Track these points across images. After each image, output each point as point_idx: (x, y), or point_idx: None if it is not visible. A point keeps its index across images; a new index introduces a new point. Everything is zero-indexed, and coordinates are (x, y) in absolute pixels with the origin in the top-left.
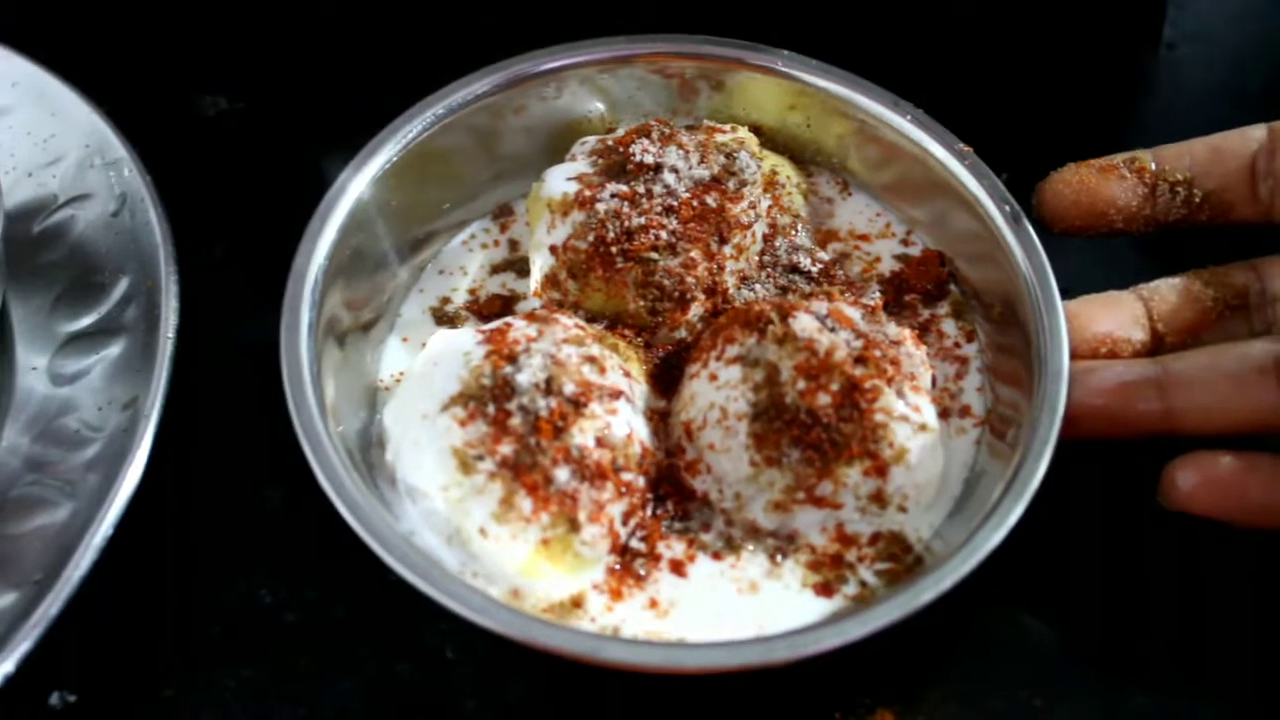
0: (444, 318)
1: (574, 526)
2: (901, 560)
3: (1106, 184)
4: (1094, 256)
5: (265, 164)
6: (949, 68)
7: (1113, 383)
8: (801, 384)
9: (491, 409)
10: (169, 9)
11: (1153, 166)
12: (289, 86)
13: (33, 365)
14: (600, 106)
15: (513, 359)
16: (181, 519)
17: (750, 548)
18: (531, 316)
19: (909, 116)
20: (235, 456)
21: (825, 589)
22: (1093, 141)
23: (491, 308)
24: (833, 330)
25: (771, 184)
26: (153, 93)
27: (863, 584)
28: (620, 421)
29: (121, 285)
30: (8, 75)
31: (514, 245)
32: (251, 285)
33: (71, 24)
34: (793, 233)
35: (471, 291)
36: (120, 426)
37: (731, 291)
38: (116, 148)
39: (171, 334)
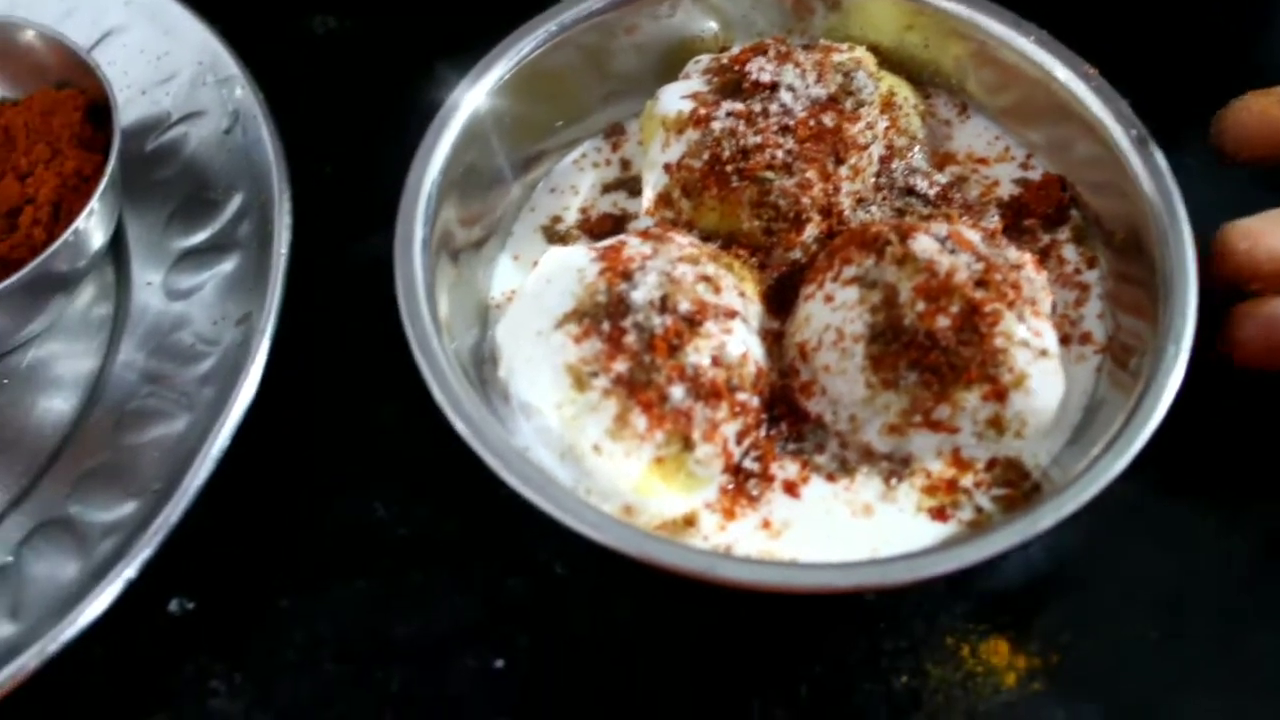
0: (555, 236)
1: (688, 445)
2: (1018, 486)
3: None
4: (1226, 189)
5: (375, 82)
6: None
7: None
8: (920, 306)
9: (606, 326)
10: None
11: None
12: (393, 6)
13: (148, 280)
14: (714, 25)
15: (628, 276)
16: (296, 433)
17: (865, 470)
18: (646, 235)
19: (1032, 36)
20: (350, 372)
21: (940, 514)
22: (1224, 70)
23: (603, 227)
24: (953, 252)
25: (889, 105)
26: (264, 11)
27: (979, 509)
28: (735, 340)
29: (235, 202)
30: None
31: (625, 165)
32: (364, 201)
33: None
34: (909, 154)
35: (583, 210)
36: (235, 341)
37: (847, 213)
38: (229, 65)
39: (285, 250)
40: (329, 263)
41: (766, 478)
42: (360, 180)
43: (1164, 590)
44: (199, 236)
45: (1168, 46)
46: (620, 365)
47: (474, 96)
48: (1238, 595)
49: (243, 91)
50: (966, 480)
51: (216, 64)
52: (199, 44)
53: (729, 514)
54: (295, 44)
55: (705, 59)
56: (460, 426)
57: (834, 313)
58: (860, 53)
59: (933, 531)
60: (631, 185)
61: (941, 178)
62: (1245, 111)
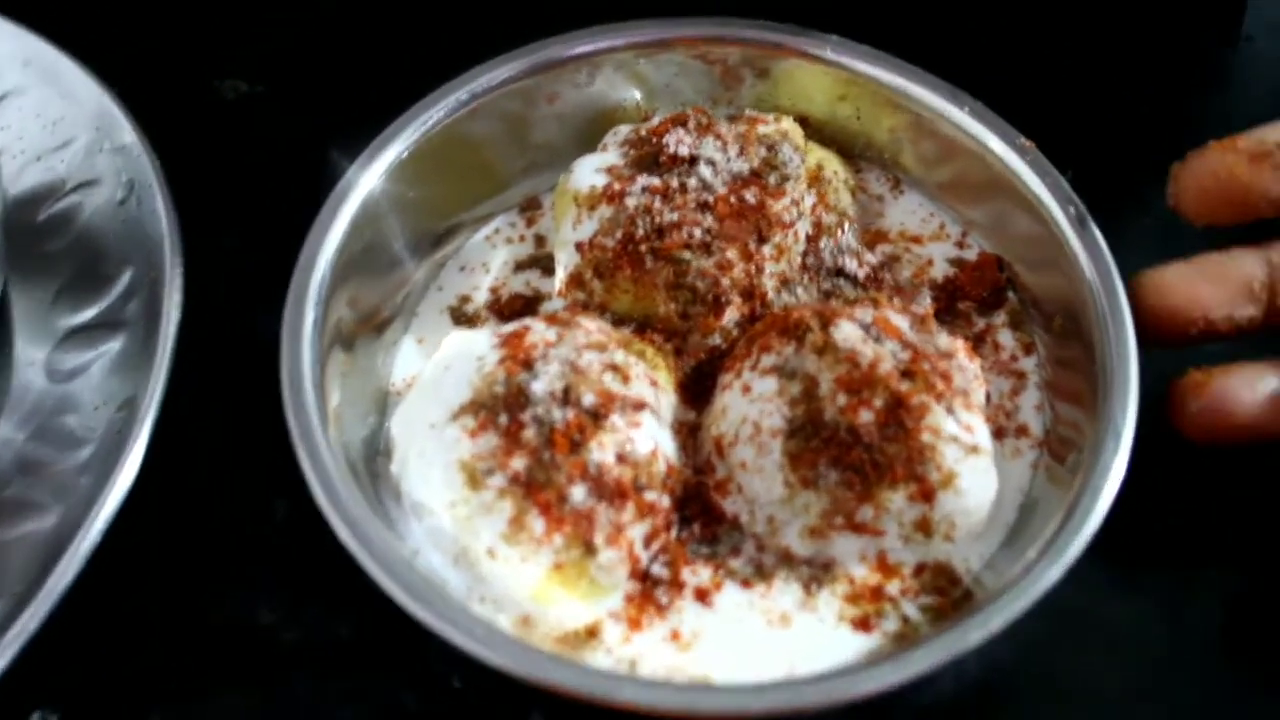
0: (463, 318)
1: (590, 550)
2: (948, 594)
3: (1259, 174)
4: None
5: (283, 152)
6: (1009, 58)
7: (1267, 394)
8: (842, 399)
9: (504, 419)
10: None
11: None
12: (312, 71)
13: (31, 360)
14: (637, 94)
15: (529, 365)
16: (177, 528)
17: (783, 576)
18: (553, 319)
19: (967, 108)
20: (238, 463)
21: (864, 624)
22: (1166, 138)
23: (514, 307)
24: (878, 340)
25: (817, 179)
26: (170, 77)
27: (905, 619)
28: (644, 435)
29: (125, 277)
30: (19, 54)
31: (540, 241)
32: (261, 280)
33: (86, 3)
34: (839, 233)
35: (493, 290)
36: (115, 428)
37: (770, 295)
38: (126, 131)
39: (173, 330)
40: (221, 345)
41: (676, 584)
42: (260, 257)
43: (1111, 701)
44: (87, 314)
45: (1105, 115)
46: (517, 462)
47: (372, 173)
48: (1190, 699)
49: (139, 160)
50: (892, 587)
51: (114, 130)
52: (97, 108)
53: (635, 624)
54: (202, 109)
55: (624, 130)
56: (338, 527)
57: (751, 405)
58: (787, 124)
59: (855, 644)
60: (546, 263)
61: (872, 258)
62: (1206, 174)
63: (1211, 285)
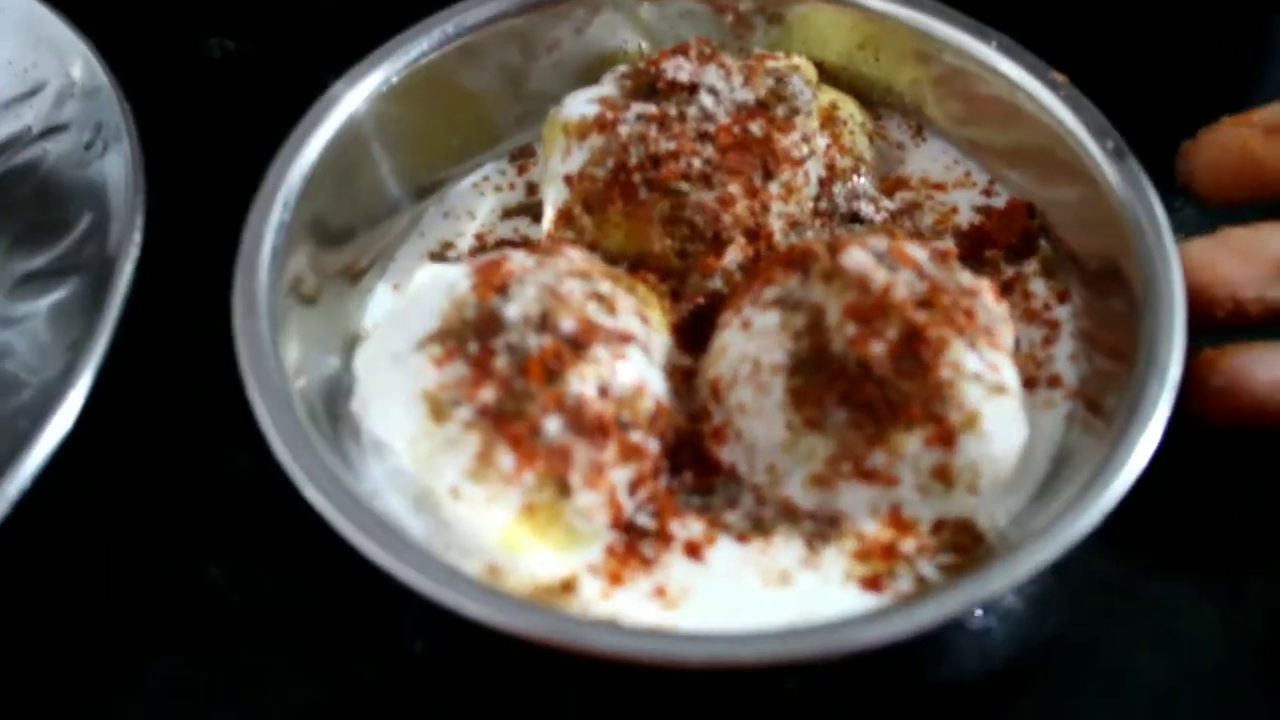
0: (443, 262)
1: (565, 490)
2: (971, 553)
3: (1275, 149)
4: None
5: (264, 111)
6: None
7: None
8: (851, 329)
9: (473, 347)
10: None
11: None
12: (301, 32)
13: None
14: (639, 40)
15: (503, 290)
16: (121, 478)
17: (784, 531)
18: (534, 246)
19: (994, 43)
20: (190, 413)
21: (873, 583)
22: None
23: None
24: (891, 269)
25: (830, 120)
26: (155, 33)
27: (920, 580)
28: (629, 369)
29: (84, 222)
30: None
31: (531, 189)
32: (226, 229)
33: None
34: (854, 178)
35: (478, 237)
36: (59, 370)
37: (778, 238)
38: (98, 75)
39: (127, 270)
40: (179, 294)
41: (664, 537)
42: (229, 210)
43: (1151, 687)
44: (40, 259)
45: (1144, 86)
46: (486, 393)
47: (354, 96)
48: (1241, 693)
49: (109, 104)
50: (907, 545)
51: (85, 74)
52: (70, 54)
53: (616, 578)
54: (186, 66)
55: (623, 68)
56: (290, 465)
57: (750, 341)
58: (798, 59)
59: (864, 604)
60: (536, 210)
61: (890, 204)
62: (1219, 148)
63: (1240, 262)
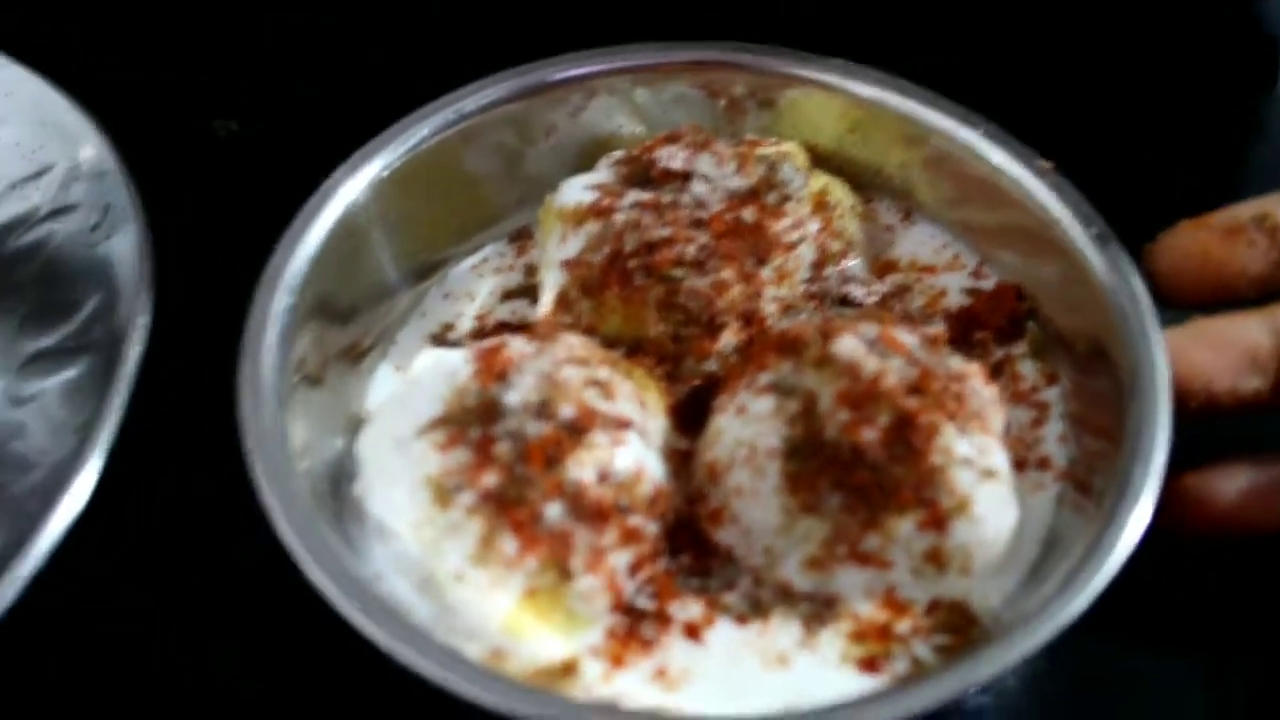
0: (445, 345)
1: (566, 574)
2: (965, 634)
3: (1234, 251)
4: None
5: (270, 193)
6: (1030, 94)
7: (1244, 489)
8: (843, 415)
9: (475, 433)
10: (179, 29)
11: None
12: (307, 114)
13: None
14: (634, 125)
15: (503, 377)
16: (129, 562)
17: (781, 613)
18: (533, 333)
19: (981, 130)
20: (200, 496)
21: (870, 665)
22: (1201, 187)
23: (498, 335)
24: (882, 355)
25: (821, 205)
26: (161, 113)
27: (916, 661)
28: (628, 455)
29: (92, 302)
30: (3, 84)
31: (530, 270)
32: (234, 311)
33: (73, 41)
34: (845, 261)
35: (478, 318)
36: (69, 451)
37: (771, 321)
38: (105, 158)
39: (135, 353)
40: (187, 375)
41: (663, 619)
42: (236, 290)
43: None
44: (49, 339)
45: (1143, 168)
46: (488, 479)
47: (355, 184)
48: None
49: (116, 186)
50: (902, 626)
51: (93, 157)
52: (77, 136)
53: (617, 661)
54: (192, 146)
55: (618, 153)
56: (296, 549)
57: (746, 426)
58: (789, 146)
59: (860, 686)
60: (535, 292)
61: (881, 286)
62: (1179, 251)
63: (1213, 354)
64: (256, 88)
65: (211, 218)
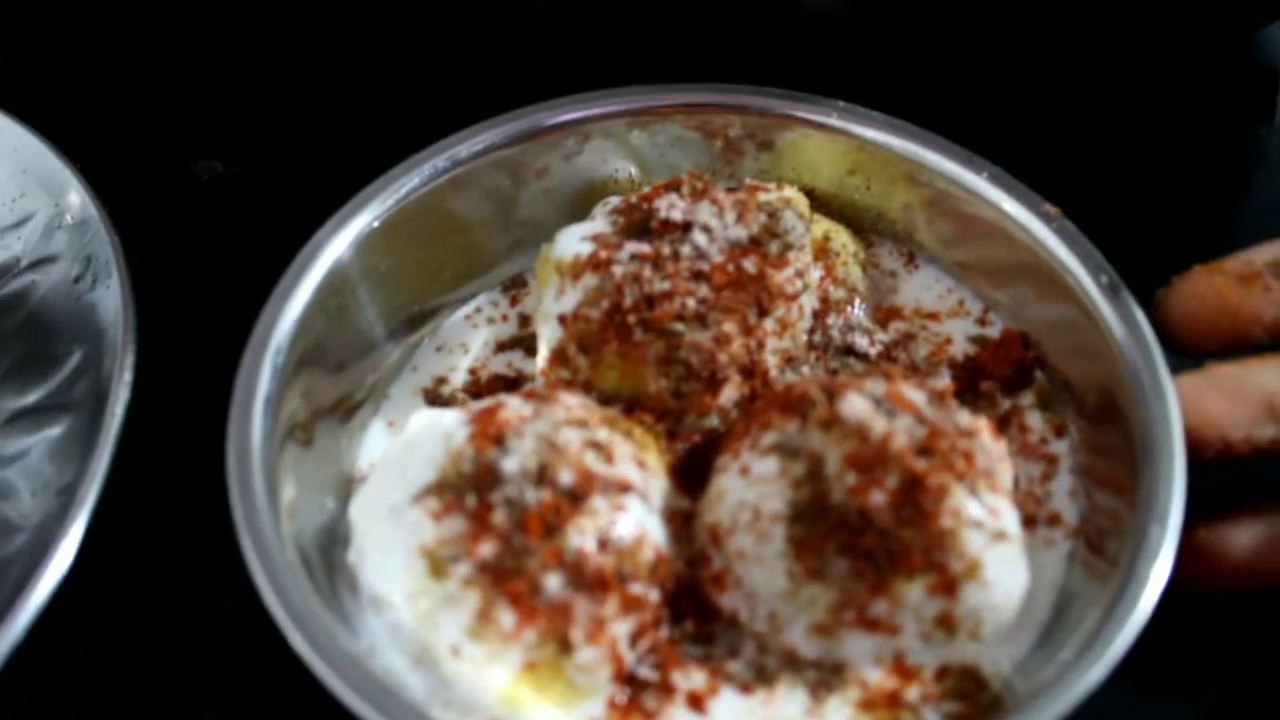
0: (438, 400)
1: (566, 647)
2: (975, 700)
3: (1250, 298)
4: None
5: (254, 236)
6: (1031, 133)
7: (1257, 542)
8: (851, 478)
9: (471, 501)
10: (159, 70)
11: None
12: (290, 154)
13: None
14: (629, 168)
15: (499, 441)
16: (115, 626)
17: (787, 680)
18: (530, 394)
19: (985, 174)
20: (183, 556)
21: None
22: (1203, 219)
23: (493, 389)
24: (890, 415)
25: (823, 252)
26: (143, 153)
27: None
28: (629, 520)
29: (75, 358)
30: None
31: (525, 320)
32: (220, 366)
33: (53, 86)
34: (848, 309)
35: (472, 371)
36: (51, 514)
37: (773, 374)
38: (87, 206)
39: (119, 412)
40: (172, 431)
41: (666, 689)
42: (222, 340)
43: None
44: (32, 396)
45: (1144, 201)
46: (485, 548)
47: (341, 240)
48: None
49: (98, 236)
50: (912, 693)
51: (73, 205)
52: (59, 184)
53: None
54: (173, 190)
55: (615, 200)
56: (284, 622)
57: (750, 488)
58: (790, 191)
59: None
60: (529, 343)
61: (885, 335)
62: (1194, 298)
63: (1228, 403)
64: (238, 128)
65: (195, 265)
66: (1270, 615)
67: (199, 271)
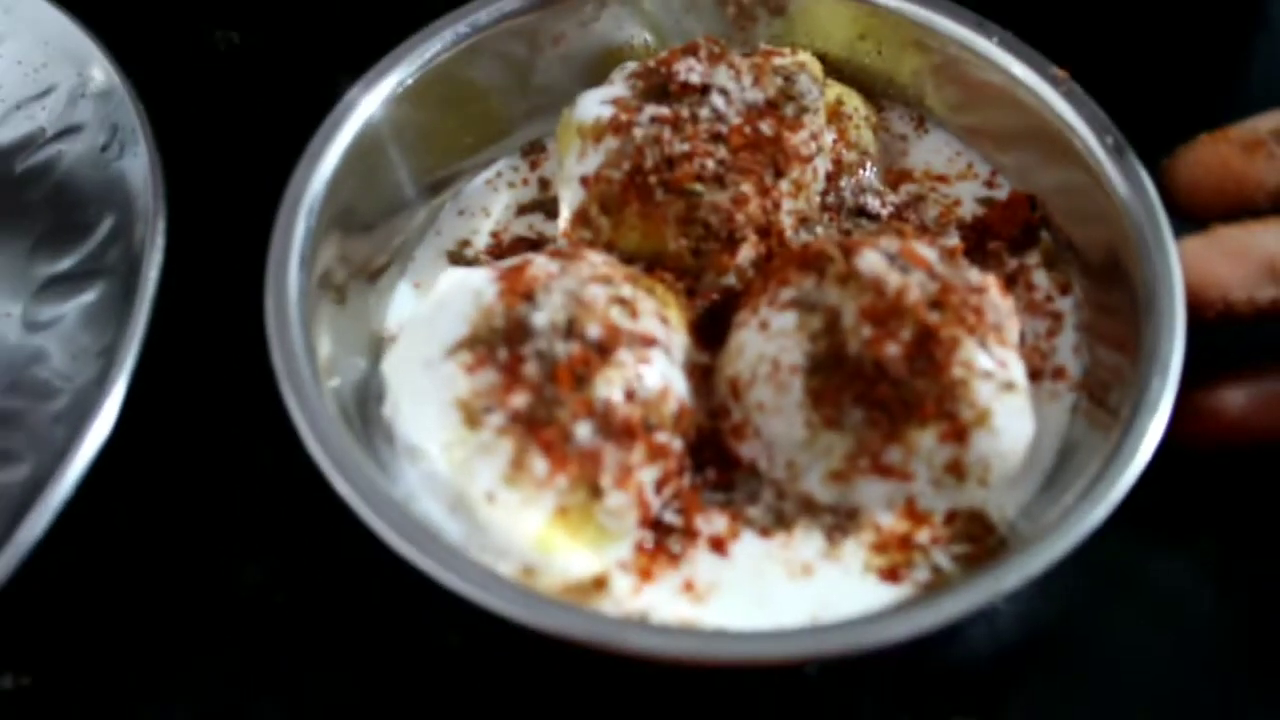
0: (462, 262)
1: (596, 492)
2: (983, 542)
3: (1253, 164)
4: None
5: (276, 104)
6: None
7: (1257, 397)
8: (867, 331)
9: (503, 354)
10: None
11: None
12: (308, 23)
13: (6, 312)
14: (645, 34)
15: (529, 297)
16: (159, 483)
17: (804, 524)
18: (556, 252)
19: (995, 38)
20: (223, 414)
21: (891, 574)
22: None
23: (515, 251)
24: (904, 270)
25: (836, 115)
26: (163, 25)
27: (936, 569)
28: (654, 373)
29: (106, 225)
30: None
31: (544, 185)
32: (249, 227)
33: None
34: (860, 171)
35: (494, 234)
36: (92, 376)
37: (788, 234)
38: (110, 76)
39: (154, 274)
40: (206, 292)
41: (690, 533)
42: (249, 203)
43: (1153, 665)
44: (65, 263)
45: (1147, 53)
46: (518, 399)
47: (371, 100)
48: (1236, 673)
49: (122, 105)
50: (922, 536)
51: (97, 75)
52: (80, 54)
53: (646, 575)
54: (194, 60)
55: (632, 65)
56: (328, 468)
57: (769, 342)
58: (804, 56)
59: (883, 595)
60: (549, 206)
61: (895, 197)
62: (1199, 165)
63: (1231, 264)
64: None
65: (218, 133)
66: (1261, 471)
67: (222, 138)
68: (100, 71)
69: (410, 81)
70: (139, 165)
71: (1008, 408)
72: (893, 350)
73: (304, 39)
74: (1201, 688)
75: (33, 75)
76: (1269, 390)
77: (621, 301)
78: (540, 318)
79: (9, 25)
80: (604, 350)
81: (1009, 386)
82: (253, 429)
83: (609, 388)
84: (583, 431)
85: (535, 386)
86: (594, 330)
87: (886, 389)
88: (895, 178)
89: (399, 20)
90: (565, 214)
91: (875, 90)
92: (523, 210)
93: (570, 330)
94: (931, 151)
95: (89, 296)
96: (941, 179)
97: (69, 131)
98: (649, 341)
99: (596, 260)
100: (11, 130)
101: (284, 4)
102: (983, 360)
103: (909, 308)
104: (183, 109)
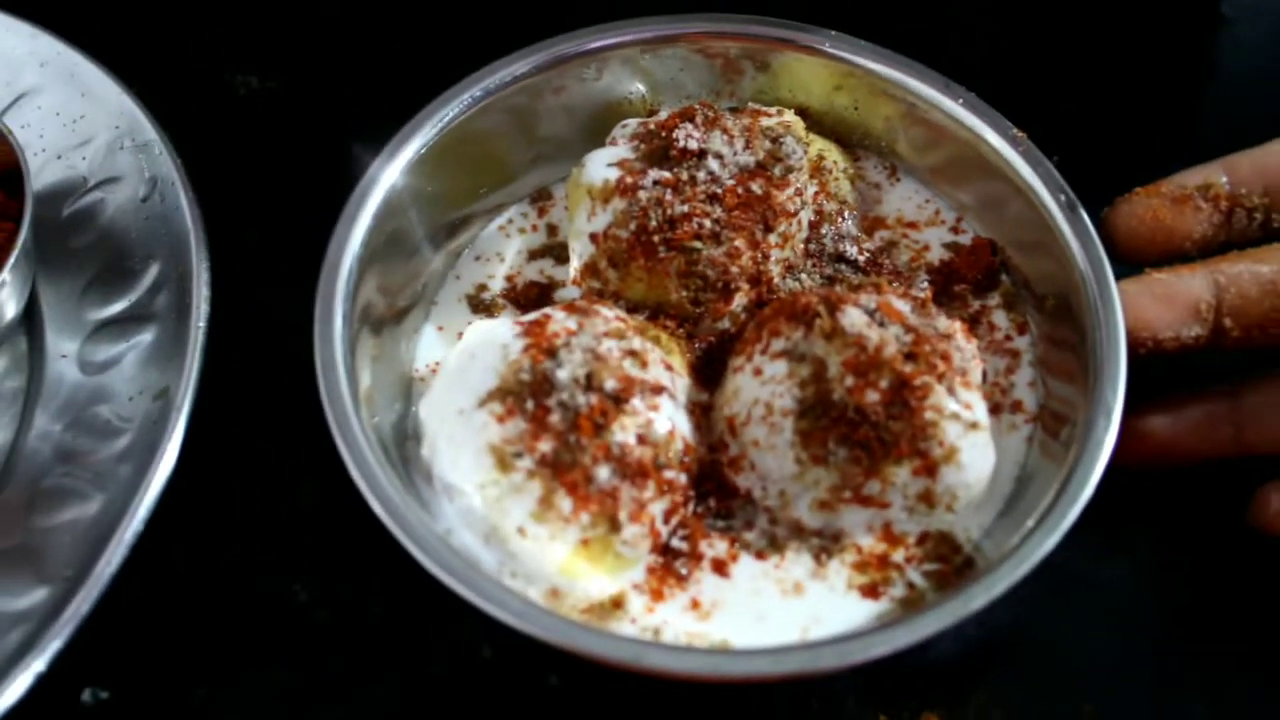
0: (480, 305)
1: (614, 526)
2: (950, 561)
3: (1181, 217)
4: None
5: (298, 146)
6: (999, 49)
7: (1180, 422)
8: (850, 380)
9: (530, 405)
10: None
11: (1226, 188)
12: (323, 65)
13: (63, 352)
14: (642, 88)
15: (552, 353)
16: (214, 513)
17: (795, 547)
18: (571, 308)
19: (960, 100)
20: (270, 449)
21: (871, 590)
22: (1151, 125)
23: (529, 295)
24: (882, 325)
25: (818, 169)
26: (183, 72)
27: (910, 585)
28: (662, 418)
29: (152, 271)
30: (36, 54)
31: (552, 230)
32: (285, 271)
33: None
34: (839, 220)
35: (509, 278)
36: (151, 417)
37: (776, 281)
38: (147, 129)
39: (203, 322)
40: (250, 335)
41: (695, 556)
42: (283, 249)
43: (1100, 661)
44: (116, 307)
45: (1095, 106)
46: (545, 445)
47: (393, 169)
48: (1174, 663)
49: (161, 156)
50: (898, 555)
51: (134, 128)
52: (116, 107)
53: (657, 595)
54: (216, 105)
55: (632, 124)
56: (379, 509)
57: (763, 386)
58: (789, 116)
59: (864, 609)
60: (558, 252)
61: (871, 244)
62: (1133, 217)
63: (1159, 306)
64: (270, 43)
65: (248, 178)
66: (1192, 483)
67: (254, 185)
68: (139, 126)
69: (426, 149)
70: (180, 214)
71: (972, 444)
72: (872, 397)
73: (319, 80)
74: (1144, 680)
75: (71, 126)
76: (1190, 417)
77: (632, 354)
78: (563, 373)
79: (45, 78)
80: (619, 400)
81: (973, 426)
82: (299, 462)
83: (624, 433)
84: (602, 473)
85: (560, 434)
86: (610, 383)
87: (867, 430)
88: (871, 224)
89: (405, 61)
90: (575, 264)
91: (851, 140)
92: (533, 256)
93: (589, 383)
94: (903, 199)
95: (143, 339)
96: (912, 225)
97: (109, 181)
98: (658, 389)
99: (609, 315)
100: (53, 176)
101: (298, 48)
102: (950, 404)
103: (886, 361)
104: (212, 155)
